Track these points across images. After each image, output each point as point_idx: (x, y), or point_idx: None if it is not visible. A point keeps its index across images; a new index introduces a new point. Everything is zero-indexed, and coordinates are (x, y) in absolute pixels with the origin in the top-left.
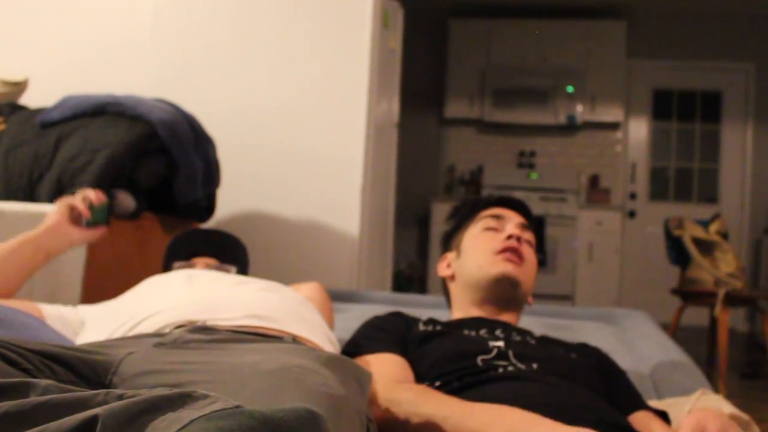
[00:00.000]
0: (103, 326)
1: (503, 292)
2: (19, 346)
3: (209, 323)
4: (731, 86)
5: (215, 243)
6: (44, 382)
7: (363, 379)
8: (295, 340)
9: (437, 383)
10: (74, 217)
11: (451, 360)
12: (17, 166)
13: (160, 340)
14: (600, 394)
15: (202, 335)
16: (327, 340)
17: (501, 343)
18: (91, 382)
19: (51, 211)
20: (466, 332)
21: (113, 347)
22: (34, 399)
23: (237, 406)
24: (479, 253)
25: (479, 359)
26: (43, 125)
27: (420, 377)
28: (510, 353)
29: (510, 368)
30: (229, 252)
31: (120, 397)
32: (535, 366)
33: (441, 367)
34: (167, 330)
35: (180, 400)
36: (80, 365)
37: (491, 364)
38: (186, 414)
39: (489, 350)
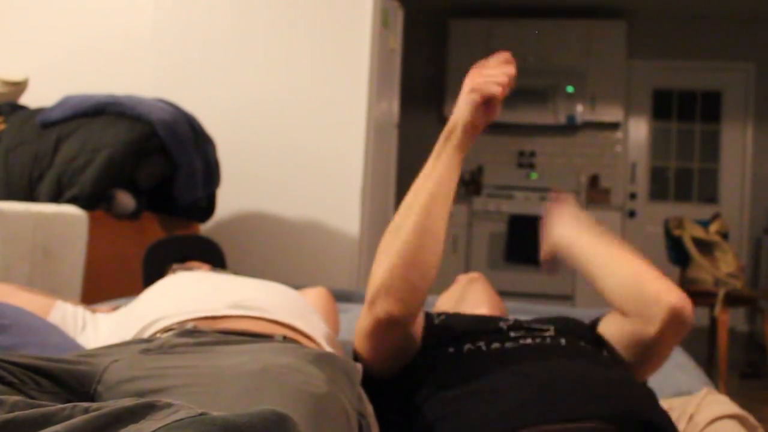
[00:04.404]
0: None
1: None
2: (4, 361)
3: (196, 316)
4: (731, 86)
5: (206, 248)
6: (12, 398)
7: (352, 373)
8: (285, 338)
9: (466, 347)
10: None
11: (474, 323)
12: (17, 166)
13: (146, 346)
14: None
15: (189, 338)
16: (321, 332)
17: (512, 318)
18: (76, 393)
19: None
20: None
21: (99, 356)
22: (0, 417)
23: (201, 414)
24: (446, 296)
25: (501, 323)
26: (43, 125)
27: (442, 344)
28: (525, 322)
29: (534, 340)
30: (218, 257)
31: (86, 411)
32: (551, 328)
33: (467, 331)
34: (153, 332)
35: (142, 411)
36: (65, 376)
37: (514, 326)
38: (147, 425)
39: (508, 319)
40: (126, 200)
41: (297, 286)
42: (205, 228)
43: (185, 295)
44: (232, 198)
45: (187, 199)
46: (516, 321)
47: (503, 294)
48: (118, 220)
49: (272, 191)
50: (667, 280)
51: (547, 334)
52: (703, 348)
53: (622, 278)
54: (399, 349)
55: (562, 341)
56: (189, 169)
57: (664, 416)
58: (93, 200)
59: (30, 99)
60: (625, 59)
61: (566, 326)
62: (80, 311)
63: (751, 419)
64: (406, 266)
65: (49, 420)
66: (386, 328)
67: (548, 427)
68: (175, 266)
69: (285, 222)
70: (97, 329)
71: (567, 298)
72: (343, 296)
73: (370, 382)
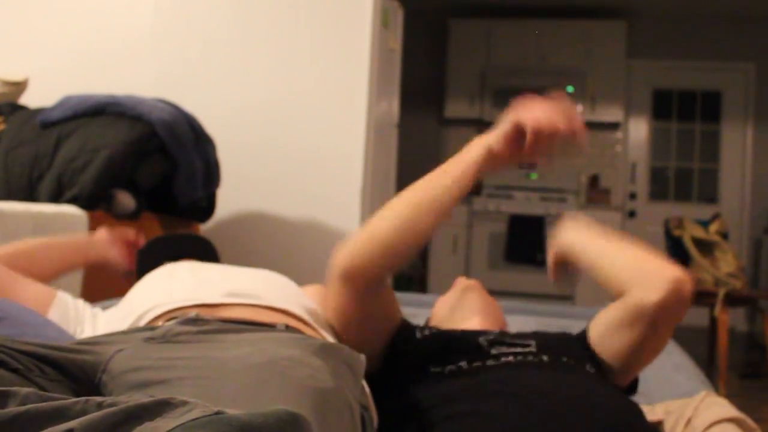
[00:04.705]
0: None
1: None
2: (9, 348)
3: (193, 304)
4: (731, 86)
5: (198, 247)
6: (24, 390)
7: (355, 365)
8: (287, 327)
9: (448, 368)
10: (121, 242)
11: (453, 341)
12: (17, 166)
13: (150, 335)
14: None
15: (192, 327)
16: (319, 320)
17: (497, 331)
18: (81, 382)
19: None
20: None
21: (102, 344)
22: (13, 409)
23: (217, 412)
24: (442, 301)
25: (481, 339)
26: (43, 125)
27: (422, 365)
28: (507, 337)
29: (516, 357)
30: (211, 255)
31: (99, 405)
32: (533, 343)
33: (449, 349)
34: (148, 320)
35: (157, 408)
36: (70, 365)
37: (495, 341)
38: (163, 423)
39: (489, 333)
40: (126, 200)
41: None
42: (205, 228)
43: (179, 283)
44: (232, 198)
45: (187, 199)
46: (497, 336)
47: (503, 294)
48: (118, 220)
49: (272, 191)
50: (667, 261)
51: (528, 349)
52: (703, 348)
53: (623, 262)
54: (359, 312)
55: (544, 358)
56: (189, 169)
57: None
58: (93, 200)
59: (30, 99)
60: (625, 59)
61: (548, 341)
62: (80, 304)
63: (750, 422)
64: (373, 240)
65: (63, 414)
66: (339, 281)
67: None
68: (167, 265)
69: (285, 222)
70: (95, 325)
71: (567, 298)
72: None
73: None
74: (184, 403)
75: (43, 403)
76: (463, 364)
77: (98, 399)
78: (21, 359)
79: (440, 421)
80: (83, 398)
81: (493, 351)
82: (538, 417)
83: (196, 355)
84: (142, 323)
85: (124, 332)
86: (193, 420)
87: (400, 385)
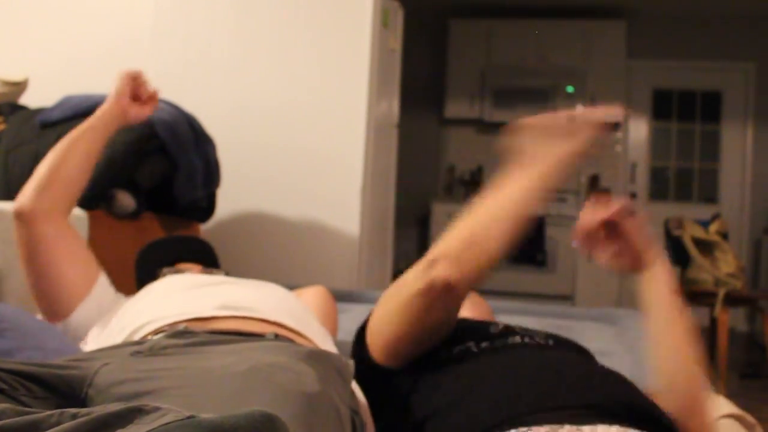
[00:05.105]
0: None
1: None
2: None
3: (184, 318)
4: (731, 86)
5: (196, 249)
6: (0, 406)
7: (345, 370)
8: (277, 336)
9: (457, 348)
10: (134, 91)
11: (464, 328)
12: (17, 166)
13: (137, 349)
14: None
15: (179, 340)
16: (314, 330)
17: (501, 324)
18: (68, 398)
19: (112, 91)
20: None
21: (89, 360)
22: None
23: (189, 417)
24: None
25: (491, 328)
26: (43, 125)
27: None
28: (515, 328)
29: (523, 338)
30: (209, 256)
31: (74, 416)
32: (539, 332)
33: (457, 332)
34: (140, 336)
35: (130, 415)
36: (56, 381)
37: (504, 331)
38: (135, 429)
39: (497, 324)
40: (126, 200)
41: (296, 286)
42: (205, 228)
43: (171, 298)
44: (232, 198)
45: (187, 199)
46: (506, 326)
47: (503, 294)
48: (118, 220)
49: (272, 191)
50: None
51: (536, 337)
52: (703, 348)
53: (679, 370)
54: (435, 325)
55: (550, 342)
56: (189, 169)
57: (656, 406)
58: (93, 200)
59: (30, 99)
60: (625, 59)
61: (552, 333)
62: (114, 293)
63: (749, 417)
64: (474, 243)
65: (36, 427)
66: (438, 294)
67: (542, 414)
68: (165, 270)
69: (285, 222)
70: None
71: (567, 298)
72: (343, 296)
73: (363, 379)
74: (157, 409)
75: (18, 417)
76: (471, 344)
77: (73, 410)
78: (7, 379)
79: (454, 402)
80: (58, 411)
81: (501, 336)
82: (545, 385)
83: (180, 365)
84: (136, 338)
85: (111, 347)
86: (165, 424)
87: (408, 368)
